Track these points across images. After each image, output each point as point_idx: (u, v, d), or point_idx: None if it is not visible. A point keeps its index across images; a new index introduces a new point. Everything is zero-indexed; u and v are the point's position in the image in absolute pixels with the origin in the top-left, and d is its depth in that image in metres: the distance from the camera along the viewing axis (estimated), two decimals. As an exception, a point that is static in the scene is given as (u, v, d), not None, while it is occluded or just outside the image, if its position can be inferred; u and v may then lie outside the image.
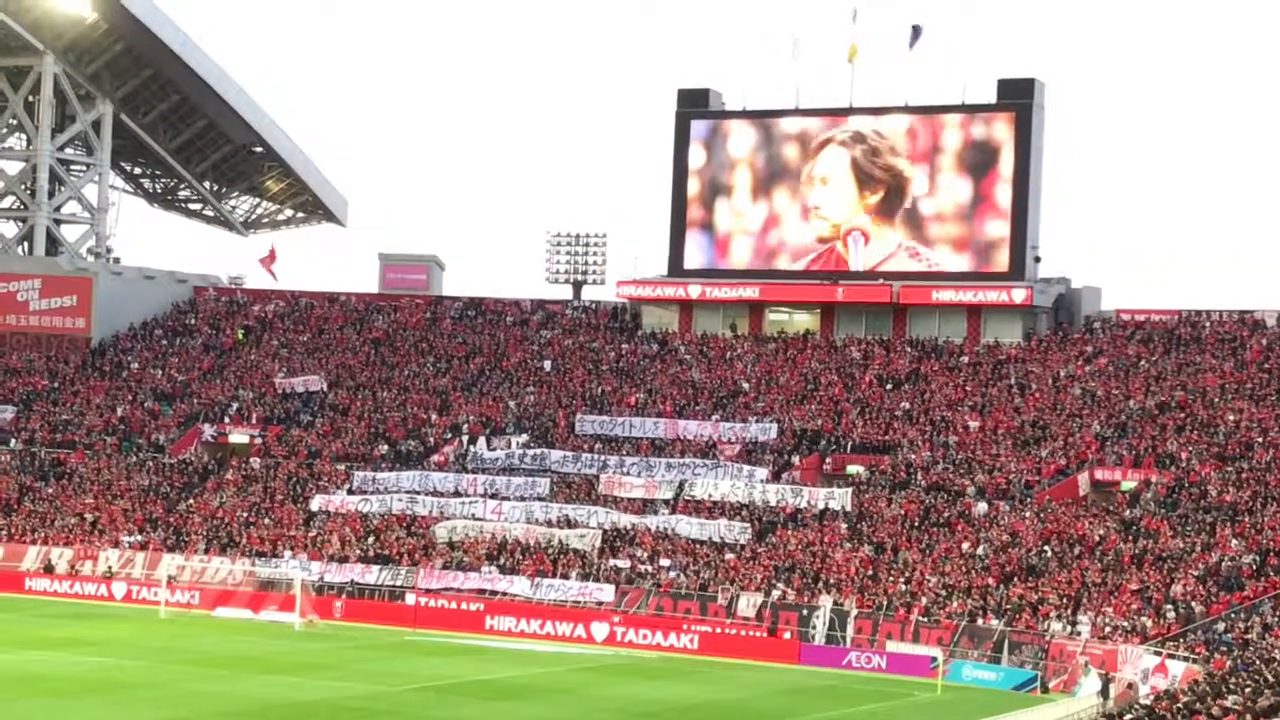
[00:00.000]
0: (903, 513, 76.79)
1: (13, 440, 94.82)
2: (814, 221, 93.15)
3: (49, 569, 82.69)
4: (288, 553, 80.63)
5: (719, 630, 71.52)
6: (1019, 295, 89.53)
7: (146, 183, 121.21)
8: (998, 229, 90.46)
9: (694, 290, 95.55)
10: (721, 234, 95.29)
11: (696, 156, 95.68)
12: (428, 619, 75.02)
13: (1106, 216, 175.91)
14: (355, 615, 76.19)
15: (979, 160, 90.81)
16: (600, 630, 72.96)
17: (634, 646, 71.55)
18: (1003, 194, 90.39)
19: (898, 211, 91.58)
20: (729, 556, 76.00)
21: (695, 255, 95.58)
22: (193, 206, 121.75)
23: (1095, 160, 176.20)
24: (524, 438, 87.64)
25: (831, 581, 72.49)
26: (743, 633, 71.21)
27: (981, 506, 76.21)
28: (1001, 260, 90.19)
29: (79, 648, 65.08)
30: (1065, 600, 68.06)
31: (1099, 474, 77.53)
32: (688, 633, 71.56)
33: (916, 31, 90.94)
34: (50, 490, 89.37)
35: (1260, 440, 77.04)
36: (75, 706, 52.53)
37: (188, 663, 62.60)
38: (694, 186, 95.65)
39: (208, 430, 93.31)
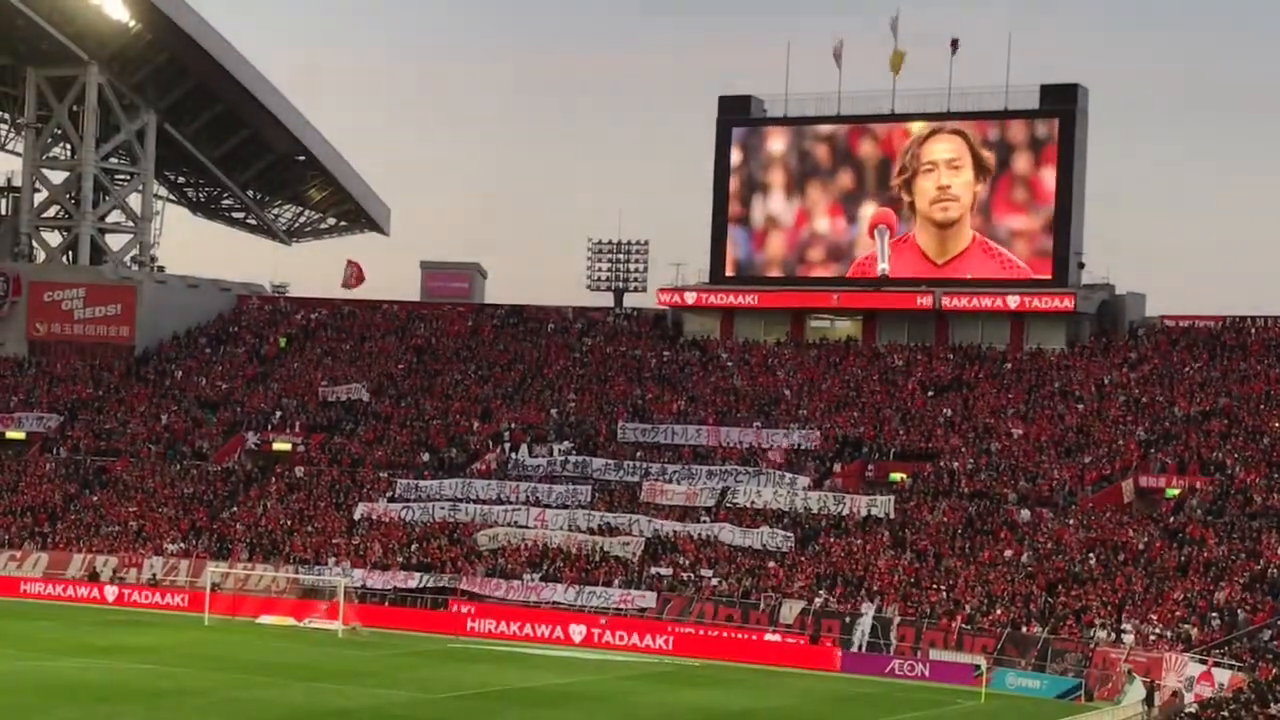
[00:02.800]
0: (945, 520, 76.56)
1: (58, 448, 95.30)
2: (941, 206, 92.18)
3: (94, 576, 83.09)
4: (331, 560, 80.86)
5: (700, 633, 72.35)
6: (1063, 302, 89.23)
7: (190, 191, 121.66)
8: (1043, 235, 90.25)
9: (735, 297, 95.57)
10: (758, 229, 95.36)
11: (735, 156, 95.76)
12: (412, 620, 76.12)
13: (1151, 222, 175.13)
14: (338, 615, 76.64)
15: (1023, 163, 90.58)
16: (578, 632, 73.74)
17: (610, 647, 72.25)
18: (1045, 199, 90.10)
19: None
20: (771, 564, 75.89)
21: (731, 250, 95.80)
22: (236, 215, 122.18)
23: (1139, 164, 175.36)
24: (566, 445, 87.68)
25: (874, 589, 72.32)
26: (724, 635, 71.88)
27: (1025, 514, 75.92)
28: (1048, 261, 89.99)
29: (123, 655, 65.36)
30: (1109, 608, 67.78)
31: (1143, 481, 77.18)
32: (664, 634, 72.39)
33: (954, 45, 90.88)
34: (95, 498, 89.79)
35: (1306, 447, 76.61)
36: (120, 714, 52.75)
37: (232, 670, 62.81)
38: (732, 185, 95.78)
39: (251, 438, 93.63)
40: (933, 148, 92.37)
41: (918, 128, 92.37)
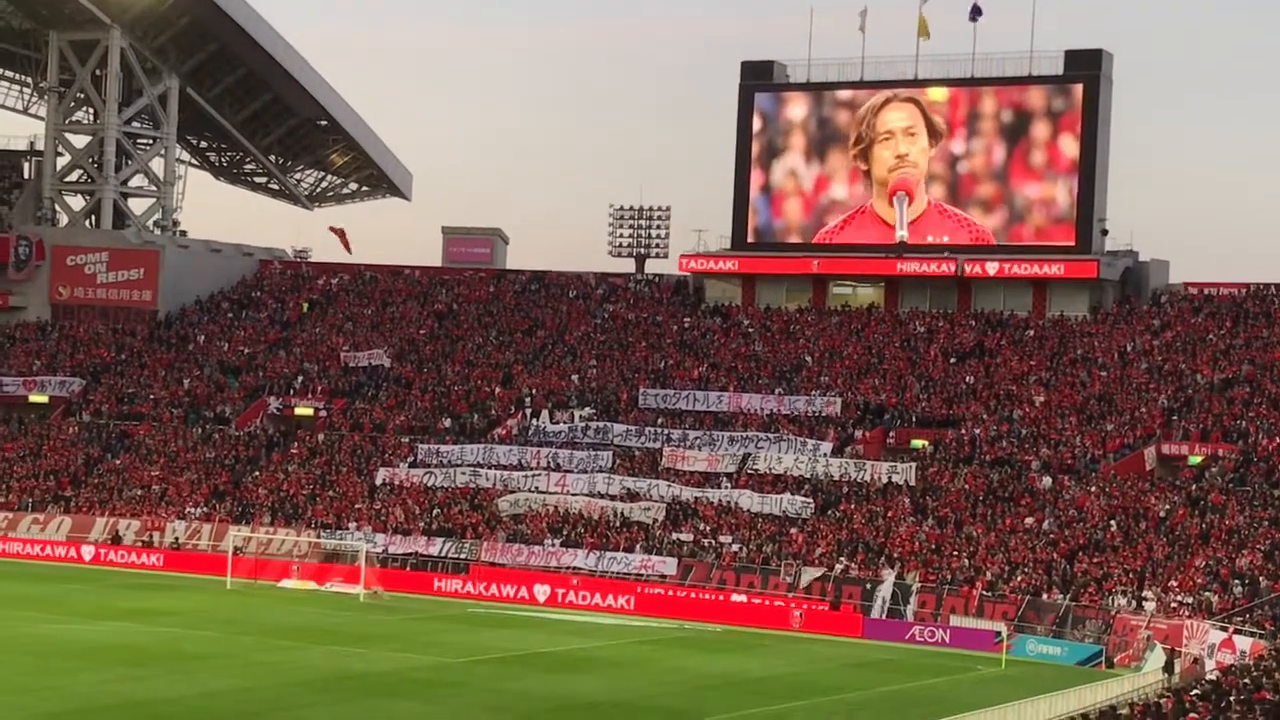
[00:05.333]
0: (967, 487, 76.49)
1: (80, 412, 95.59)
2: (901, 173, 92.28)
3: (116, 540, 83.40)
4: (352, 525, 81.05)
5: (668, 592, 73.57)
6: (1086, 269, 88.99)
7: (212, 156, 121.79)
8: (1065, 202, 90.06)
9: (757, 263, 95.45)
10: (776, 193, 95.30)
11: (756, 121, 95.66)
12: (383, 580, 77.17)
13: (1175, 189, 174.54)
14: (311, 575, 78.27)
15: (1048, 129, 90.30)
16: (542, 592, 75.07)
17: (573, 607, 73.35)
18: (1069, 165, 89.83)
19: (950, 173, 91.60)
20: (792, 530, 75.90)
21: (753, 216, 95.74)
22: (258, 180, 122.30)
23: (1163, 131, 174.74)
24: (587, 411, 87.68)
25: (895, 556, 72.32)
26: (678, 594, 73.07)
27: (1046, 481, 75.83)
28: (1060, 228, 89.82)
29: (146, 618, 65.61)
30: (1130, 575, 67.70)
31: (1165, 448, 77.00)
32: (624, 594, 73.68)
33: (976, 9, 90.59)
34: (117, 462, 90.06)
35: (1329, 415, 76.36)
36: (143, 676, 52.97)
37: (254, 633, 63.05)
38: (754, 150, 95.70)
39: (273, 403, 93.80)
40: (888, 116, 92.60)
41: (883, 96, 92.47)
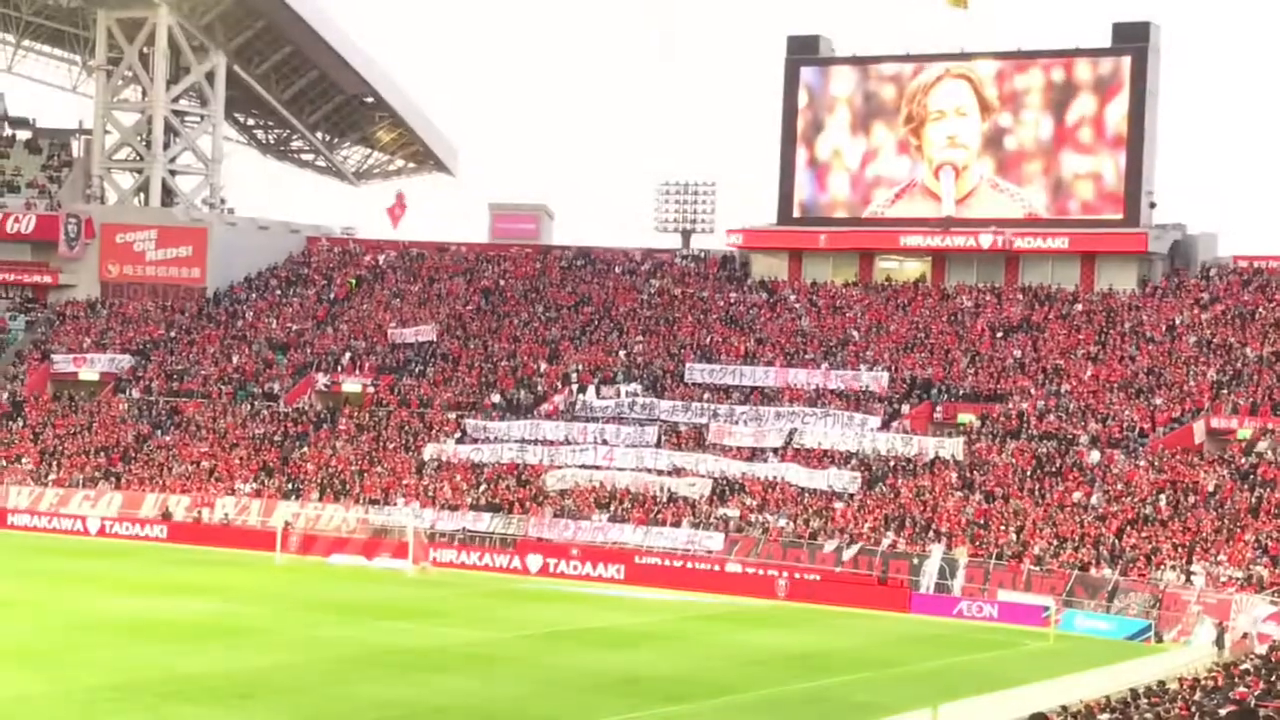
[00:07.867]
0: (1014, 462, 76.27)
1: (130, 389, 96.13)
2: (952, 150, 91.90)
3: (167, 516, 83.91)
4: (400, 500, 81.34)
5: (665, 562, 74.31)
6: (1134, 242, 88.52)
7: (259, 133, 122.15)
8: (1113, 175, 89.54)
9: (803, 238, 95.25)
10: (821, 168, 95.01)
11: (802, 96, 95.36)
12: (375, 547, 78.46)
13: (1224, 161, 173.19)
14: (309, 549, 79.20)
15: (1095, 102, 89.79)
16: (534, 562, 75.77)
17: (565, 577, 74.18)
18: (1117, 138, 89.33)
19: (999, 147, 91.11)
20: (838, 505, 75.84)
21: (798, 191, 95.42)
22: (305, 157, 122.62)
23: (1212, 102, 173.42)
24: (634, 386, 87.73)
25: (942, 530, 72.19)
26: (686, 565, 73.61)
27: (1095, 455, 75.54)
28: (1108, 201, 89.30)
29: (195, 594, 65.95)
30: (1179, 549, 67.42)
31: (1215, 422, 76.61)
32: (614, 564, 74.37)
33: None
34: (167, 438, 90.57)
35: (1380, 388, 75.81)
36: (191, 651, 53.24)
37: (302, 609, 63.33)
38: (800, 125, 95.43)
39: (321, 379, 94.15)
40: (938, 95, 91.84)
41: (934, 71, 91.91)
